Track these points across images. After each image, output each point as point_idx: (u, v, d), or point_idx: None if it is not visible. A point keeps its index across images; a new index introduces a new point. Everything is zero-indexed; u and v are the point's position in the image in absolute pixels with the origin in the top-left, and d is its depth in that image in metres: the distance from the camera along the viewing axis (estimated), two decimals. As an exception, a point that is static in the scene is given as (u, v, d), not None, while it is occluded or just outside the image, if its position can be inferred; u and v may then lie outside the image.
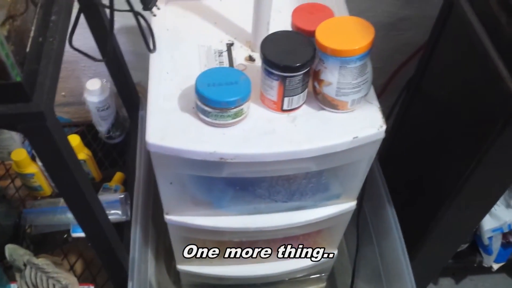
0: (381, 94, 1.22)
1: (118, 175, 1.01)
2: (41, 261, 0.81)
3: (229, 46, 0.72)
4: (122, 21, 0.97)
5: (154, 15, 0.69)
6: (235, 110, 0.60)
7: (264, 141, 0.61)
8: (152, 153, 0.62)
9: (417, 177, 0.99)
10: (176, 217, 0.76)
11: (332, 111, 0.65)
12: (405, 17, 1.07)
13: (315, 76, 0.63)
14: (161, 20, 0.74)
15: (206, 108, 0.60)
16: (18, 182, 1.04)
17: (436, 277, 1.29)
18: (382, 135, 0.65)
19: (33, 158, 0.96)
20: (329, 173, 0.73)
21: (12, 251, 0.82)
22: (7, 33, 0.48)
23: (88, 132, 1.11)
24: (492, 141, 0.67)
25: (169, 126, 0.62)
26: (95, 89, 0.97)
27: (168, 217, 0.76)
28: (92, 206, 0.65)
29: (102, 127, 1.05)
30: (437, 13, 0.83)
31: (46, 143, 0.52)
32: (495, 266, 1.14)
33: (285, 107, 0.64)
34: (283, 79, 0.60)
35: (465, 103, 0.78)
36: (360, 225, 1.00)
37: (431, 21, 0.85)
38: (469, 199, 0.80)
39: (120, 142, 1.10)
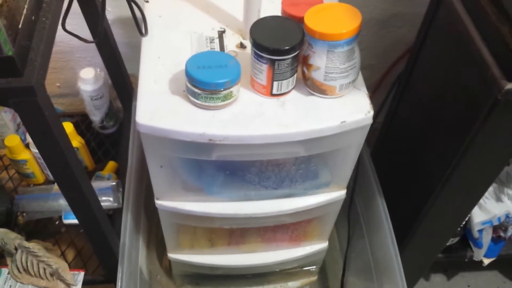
0: (375, 91, 1.23)
1: (111, 164, 1.02)
2: (32, 245, 0.81)
3: (221, 33, 0.73)
4: (117, 12, 0.98)
5: (147, 1, 0.70)
6: (224, 92, 0.61)
7: (253, 124, 0.62)
8: (142, 134, 0.63)
9: (407, 169, 0.99)
10: (167, 202, 0.76)
11: (321, 96, 0.66)
12: (397, 14, 1.08)
13: (304, 61, 0.64)
14: (154, 7, 0.75)
15: (196, 90, 0.61)
16: (11, 172, 1.04)
17: (427, 272, 1.30)
18: (369, 120, 0.66)
19: (26, 146, 0.96)
20: (318, 160, 0.73)
21: (3, 234, 0.82)
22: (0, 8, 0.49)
23: (82, 122, 1.12)
24: (477, 129, 0.68)
25: (159, 107, 0.63)
26: (89, 77, 0.98)
27: (158, 202, 0.77)
28: (83, 188, 0.66)
29: (96, 116, 1.05)
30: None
31: (36, 118, 0.53)
32: (486, 261, 1.15)
33: (274, 92, 0.65)
34: (272, 63, 0.61)
35: (452, 93, 0.79)
36: (351, 218, 1.00)
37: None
38: (457, 189, 0.80)
39: (114, 133, 1.10)
